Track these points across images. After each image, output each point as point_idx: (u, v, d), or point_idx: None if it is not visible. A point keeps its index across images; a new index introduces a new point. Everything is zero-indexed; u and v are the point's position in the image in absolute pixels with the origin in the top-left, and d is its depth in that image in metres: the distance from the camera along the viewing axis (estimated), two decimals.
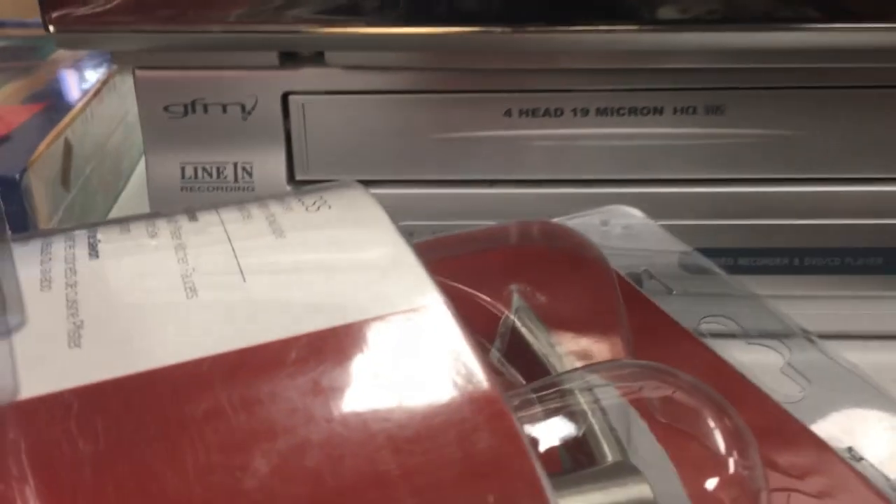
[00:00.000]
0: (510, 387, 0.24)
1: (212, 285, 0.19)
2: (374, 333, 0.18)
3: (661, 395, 0.19)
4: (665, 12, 0.29)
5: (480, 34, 0.30)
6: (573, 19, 0.29)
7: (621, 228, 0.34)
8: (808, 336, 0.26)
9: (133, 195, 0.49)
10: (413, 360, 0.17)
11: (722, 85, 0.33)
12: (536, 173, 0.35)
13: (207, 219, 0.22)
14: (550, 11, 0.29)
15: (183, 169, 0.35)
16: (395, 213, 0.36)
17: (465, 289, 0.25)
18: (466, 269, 0.27)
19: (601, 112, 0.34)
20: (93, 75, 0.50)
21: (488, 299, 0.25)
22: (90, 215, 0.46)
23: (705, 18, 0.29)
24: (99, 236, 0.21)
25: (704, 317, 0.28)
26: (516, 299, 0.25)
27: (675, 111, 0.34)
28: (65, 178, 0.43)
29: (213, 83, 0.34)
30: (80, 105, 0.46)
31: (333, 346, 0.17)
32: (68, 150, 0.44)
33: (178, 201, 0.35)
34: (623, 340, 0.24)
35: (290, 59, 0.33)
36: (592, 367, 0.20)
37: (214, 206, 0.23)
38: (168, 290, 0.19)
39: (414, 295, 0.19)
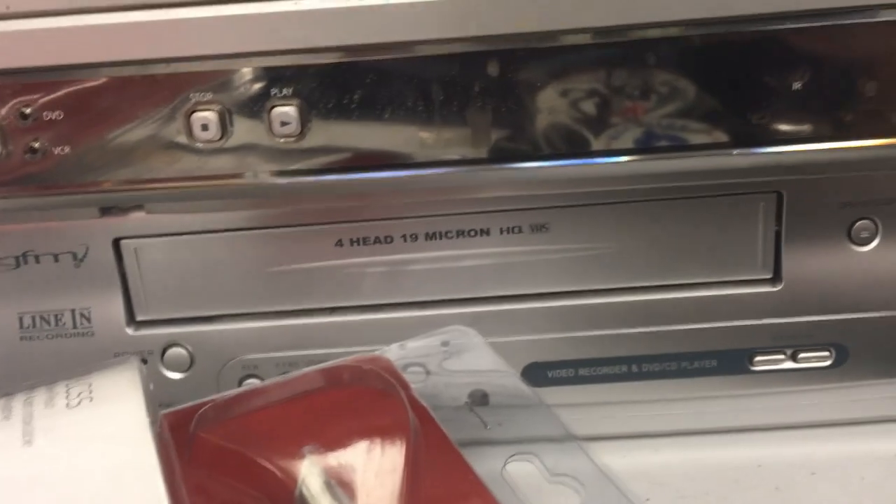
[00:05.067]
0: None
1: None
2: None
3: None
4: (475, 151, 0.30)
5: (300, 184, 0.31)
6: (381, 167, 0.30)
7: (457, 351, 0.35)
8: (609, 478, 0.27)
9: None
10: None
11: (545, 205, 0.34)
12: (373, 299, 0.35)
13: None
14: (360, 160, 0.30)
15: (21, 319, 0.35)
16: (238, 347, 0.36)
17: (259, 461, 0.26)
18: (268, 424, 0.27)
19: (430, 237, 0.35)
20: None
21: (278, 470, 0.25)
22: None
23: (517, 154, 0.30)
24: None
25: (511, 455, 0.28)
26: (306, 465, 0.25)
27: (501, 231, 0.34)
28: None
29: (41, 235, 0.34)
30: None
31: None
32: None
33: (18, 351, 0.35)
34: (413, 495, 0.25)
35: (112, 208, 0.34)
36: None
37: None
38: None
39: None
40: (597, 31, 0.28)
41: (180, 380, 0.36)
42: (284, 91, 0.28)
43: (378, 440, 0.26)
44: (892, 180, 0.32)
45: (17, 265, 0.34)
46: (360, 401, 0.28)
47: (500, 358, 0.33)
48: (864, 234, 0.33)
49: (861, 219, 0.33)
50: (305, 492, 0.24)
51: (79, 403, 0.22)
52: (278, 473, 0.25)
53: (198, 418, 0.28)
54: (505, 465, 0.28)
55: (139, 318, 0.36)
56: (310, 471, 0.25)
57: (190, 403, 0.29)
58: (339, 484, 0.25)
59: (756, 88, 0.29)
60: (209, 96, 0.29)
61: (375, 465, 0.26)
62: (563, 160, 0.30)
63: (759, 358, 0.35)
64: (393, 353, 0.34)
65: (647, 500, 0.34)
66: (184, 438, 0.27)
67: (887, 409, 0.36)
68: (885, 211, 0.33)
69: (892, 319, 0.34)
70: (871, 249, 0.34)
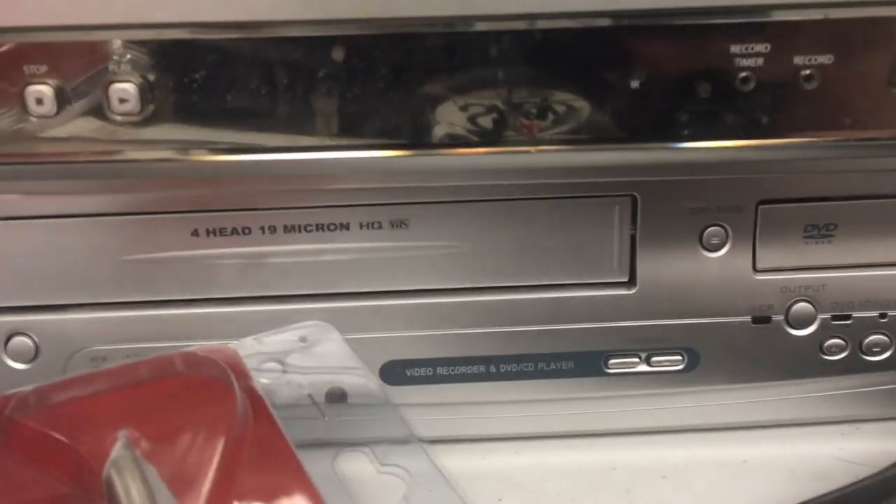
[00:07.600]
0: None
1: None
2: None
3: None
4: (321, 139, 0.30)
5: (139, 166, 0.30)
6: (224, 151, 0.30)
7: (313, 345, 0.34)
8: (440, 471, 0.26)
9: None
10: None
11: (404, 200, 0.34)
12: (229, 291, 0.35)
13: None
14: (202, 144, 0.29)
15: None
16: (87, 338, 0.35)
17: (71, 444, 0.25)
18: (88, 411, 0.26)
19: (289, 229, 0.34)
20: None
21: (88, 453, 0.24)
22: None
23: (364, 143, 0.30)
24: None
25: (344, 447, 0.28)
26: (117, 448, 0.24)
27: (361, 226, 0.34)
28: None
29: None
30: None
31: None
32: None
33: None
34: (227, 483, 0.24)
35: None
36: None
37: None
38: None
39: None
40: (441, 22, 0.28)
41: (24, 370, 0.34)
42: (123, 67, 0.28)
43: (200, 428, 0.26)
44: (739, 187, 0.33)
45: None
46: (189, 390, 0.27)
47: (355, 354, 0.33)
48: (715, 241, 0.34)
49: (711, 225, 0.34)
50: (113, 473, 0.23)
51: None
52: (87, 456, 0.24)
53: (15, 403, 0.27)
54: (336, 456, 0.27)
55: None
56: (120, 454, 0.24)
57: (11, 391, 0.28)
58: (154, 467, 0.24)
59: (601, 87, 0.29)
60: (44, 69, 0.28)
61: (192, 452, 0.25)
62: (410, 150, 0.30)
63: (613, 360, 0.35)
64: (248, 346, 0.33)
65: (500, 500, 0.34)
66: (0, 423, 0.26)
67: (735, 416, 0.36)
68: (734, 218, 0.34)
69: (741, 325, 0.35)
70: (722, 255, 0.34)
